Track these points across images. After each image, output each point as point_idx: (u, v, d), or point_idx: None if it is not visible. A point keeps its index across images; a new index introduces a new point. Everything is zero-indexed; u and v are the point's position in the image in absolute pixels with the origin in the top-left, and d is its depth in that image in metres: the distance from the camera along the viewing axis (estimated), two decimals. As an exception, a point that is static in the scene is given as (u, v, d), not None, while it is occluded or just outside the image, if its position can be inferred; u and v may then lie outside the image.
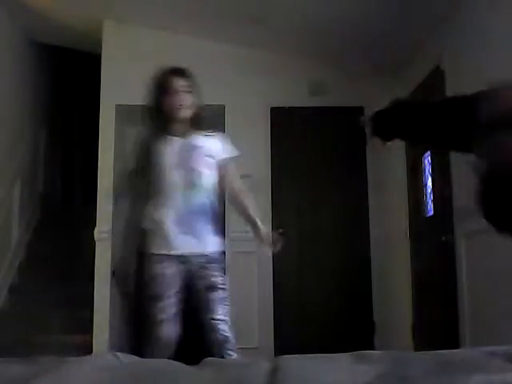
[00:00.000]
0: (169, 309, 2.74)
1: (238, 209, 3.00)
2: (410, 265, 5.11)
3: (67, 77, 7.38)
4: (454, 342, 3.93)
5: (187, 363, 0.76)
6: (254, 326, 5.09)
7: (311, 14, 4.61)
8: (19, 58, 5.83)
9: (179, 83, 2.89)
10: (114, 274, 5.13)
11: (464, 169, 2.94)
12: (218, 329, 2.71)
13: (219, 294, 2.76)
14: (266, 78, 5.36)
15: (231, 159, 2.99)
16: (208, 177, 2.87)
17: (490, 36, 3.50)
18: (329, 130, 5.50)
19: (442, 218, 4.39)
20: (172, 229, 2.77)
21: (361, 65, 5.29)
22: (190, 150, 2.87)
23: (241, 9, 4.72)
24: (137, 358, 0.75)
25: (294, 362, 0.60)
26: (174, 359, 0.89)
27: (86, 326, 4.82)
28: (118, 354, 0.75)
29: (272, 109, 5.46)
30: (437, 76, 4.34)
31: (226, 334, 2.73)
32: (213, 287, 2.75)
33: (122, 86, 5.28)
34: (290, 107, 5.48)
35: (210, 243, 2.84)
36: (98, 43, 5.35)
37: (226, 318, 2.75)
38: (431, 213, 4.75)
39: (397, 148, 5.03)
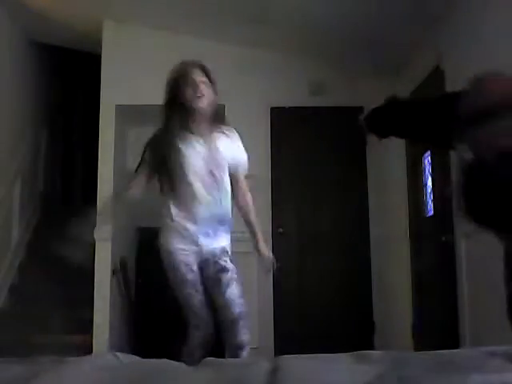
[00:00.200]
0: (196, 291, 2.93)
1: (244, 220, 3.13)
2: (409, 265, 5.11)
3: (67, 77, 7.38)
4: (454, 341, 3.93)
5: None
6: (254, 326, 5.07)
7: (311, 14, 4.61)
8: (19, 58, 5.83)
9: (199, 76, 2.93)
10: (114, 273, 5.15)
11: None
12: (229, 308, 2.87)
13: (228, 275, 2.94)
14: (266, 77, 5.36)
15: (243, 165, 3.09)
16: (227, 183, 2.98)
17: (490, 36, 3.51)
18: (329, 130, 5.50)
19: (442, 217, 4.39)
20: (193, 232, 2.91)
21: (361, 65, 5.29)
22: (213, 155, 2.93)
23: (241, 8, 4.72)
24: (137, 357, 0.75)
25: (294, 362, 0.60)
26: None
27: (86, 326, 4.82)
28: (118, 354, 0.75)
29: (272, 109, 5.46)
30: (436, 76, 4.34)
31: (235, 315, 2.87)
32: (223, 270, 2.94)
33: (122, 86, 5.28)
34: (290, 107, 5.47)
35: (225, 240, 3.04)
36: (98, 43, 5.35)
37: (236, 299, 2.91)
38: (431, 213, 4.75)
39: (396, 148, 5.03)
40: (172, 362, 0.72)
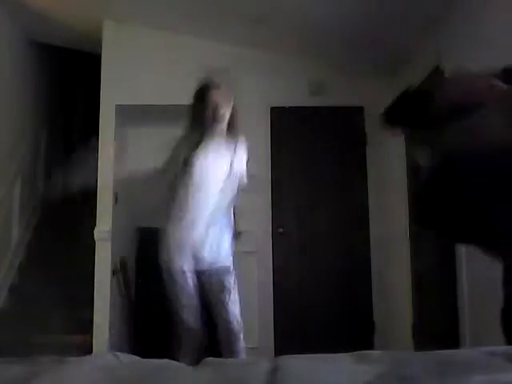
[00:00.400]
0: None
1: None
2: (409, 265, 5.11)
3: (67, 77, 7.38)
4: (454, 342, 3.93)
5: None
6: (254, 326, 5.09)
7: (311, 14, 4.61)
8: (19, 58, 5.83)
9: (216, 97, 3.10)
10: (114, 273, 5.15)
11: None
12: (229, 328, 3.11)
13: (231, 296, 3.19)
14: (266, 77, 5.36)
15: (243, 177, 3.31)
16: (234, 196, 3.20)
17: (490, 36, 3.50)
18: (329, 130, 5.50)
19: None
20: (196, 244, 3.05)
21: (361, 65, 5.29)
22: (226, 172, 3.13)
23: (241, 8, 4.72)
24: (137, 357, 0.75)
25: (294, 362, 0.60)
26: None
27: (86, 326, 4.81)
28: (118, 354, 0.75)
29: (272, 108, 5.46)
30: (436, 76, 4.34)
31: (235, 335, 3.10)
32: (226, 290, 3.17)
33: (122, 86, 5.28)
34: (290, 107, 5.48)
35: (229, 258, 3.21)
36: (98, 43, 5.35)
37: (236, 319, 3.14)
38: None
39: (396, 148, 5.03)
40: (172, 361, 0.72)
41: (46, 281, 5.35)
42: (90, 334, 4.80)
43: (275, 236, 5.30)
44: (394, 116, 1.94)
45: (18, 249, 5.63)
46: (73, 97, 7.54)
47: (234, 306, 3.08)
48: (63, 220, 6.25)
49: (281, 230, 5.35)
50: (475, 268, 3.76)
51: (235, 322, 3.04)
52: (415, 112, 1.80)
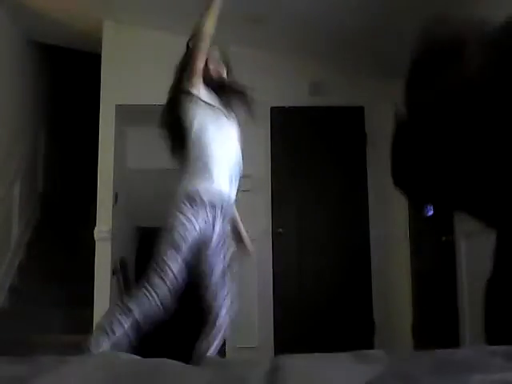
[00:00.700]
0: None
1: None
2: (409, 264, 5.11)
3: (67, 77, 7.38)
4: (454, 341, 3.93)
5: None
6: (254, 326, 5.09)
7: (311, 14, 4.61)
8: (19, 57, 5.83)
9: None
10: (113, 273, 5.15)
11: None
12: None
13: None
14: (266, 77, 5.35)
15: None
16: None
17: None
18: (329, 130, 5.50)
19: (442, 217, 4.38)
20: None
21: (361, 65, 5.29)
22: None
23: (241, 8, 4.71)
24: (136, 357, 0.75)
25: (295, 362, 0.60)
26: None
27: (86, 326, 4.81)
28: (118, 353, 0.75)
29: (272, 108, 5.46)
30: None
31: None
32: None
33: (122, 85, 5.28)
34: (290, 107, 5.48)
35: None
36: (98, 43, 5.35)
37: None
38: (431, 212, 4.74)
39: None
40: (172, 361, 0.72)
41: (46, 280, 5.35)
42: (90, 334, 4.79)
43: (275, 236, 5.30)
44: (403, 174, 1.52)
45: (18, 248, 5.63)
46: (73, 96, 7.53)
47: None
48: (63, 220, 6.26)
49: (280, 230, 5.34)
50: (475, 267, 3.76)
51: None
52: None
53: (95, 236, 5.01)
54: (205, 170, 2.78)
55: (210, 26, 3.01)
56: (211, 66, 3.12)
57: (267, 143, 5.42)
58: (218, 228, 2.82)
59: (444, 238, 4.28)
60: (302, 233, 5.40)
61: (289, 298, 5.26)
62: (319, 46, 5.14)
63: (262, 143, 5.37)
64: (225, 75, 3.21)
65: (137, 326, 2.65)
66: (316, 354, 0.62)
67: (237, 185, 2.97)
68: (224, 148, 2.90)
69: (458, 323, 4.02)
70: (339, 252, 5.36)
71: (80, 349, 2.57)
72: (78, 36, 5.64)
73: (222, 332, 2.88)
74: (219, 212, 2.80)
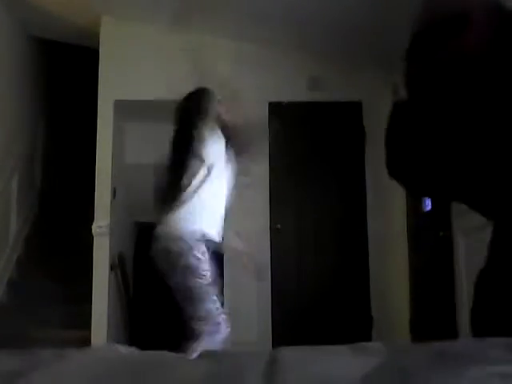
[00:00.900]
0: None
1: None
2: (407, 260, 5.12)
3: (65, 72, 7.36)
4: (451, 336, 3.94)
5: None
6: (253, 321, 5.10)
7: (310, 10, 4.60)
8: (17, 52, 5.82)
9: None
10: (112, 268, 5.15)
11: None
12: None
13: None
14: (264, 72, 5.35)
15: None
16: None
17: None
18: (327, 125, 5.49)
19: (439, 213, 4.39)
20: None
21: (359, 60, 5.28)
22: None
23: (239, 4, 4.71)
24: (136, 349, 0.75)
25: (293, 353, 0.60)
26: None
27: (85, 321, 4.82)
28: (117, 345, 0.75)
29: (270, 103, 5.45)
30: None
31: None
32: None
33: (120, 81, 5.27)
34: (288, 102, 5.47)
35: None
36: (96, 38, 5.34)
37: None
38: (429, 208, 4.75)
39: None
40: (171, 353, 0.72)
41: (44, 276, 5.35)
42: (88, 329, 4.81)
43: (273, 232, 5.30)
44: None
45: (16, 243, 5.63)
46: (71, 91, 7.52)
47: None
48: (61, 215, 6.26)
49: (279, 226, 5.35)
50: (473, 263, 3.76)
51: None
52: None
53: (93, 231, 5.01)
54: None
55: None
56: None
57: (265, 138, 5.41)
58: None
59: (442, 234, 4.29)
60: (300, 229, 5.40)
61: (287, 294, 5.26)
62: (317, 41, 5.13)
63: (260, 138, 5.35)
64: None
65: None
66: (314, 346, 0.62)
67: None
68: None
69: (455, 318, 4.03)
70: (337, 248, 5.36)
71: None
72: (76, 31, 5.63)
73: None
74: None
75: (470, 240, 3.80)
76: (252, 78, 5.34)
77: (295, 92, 5.45)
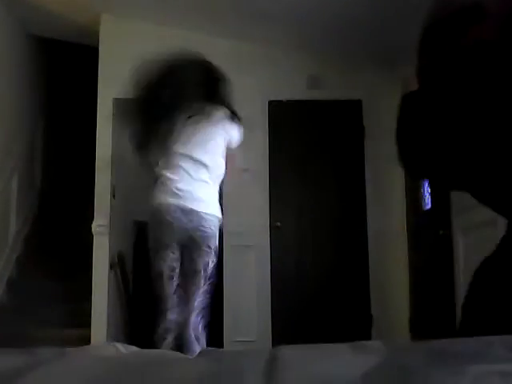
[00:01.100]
0: None
1: None
2: (407, 258, 5.12)
3: (64, 70, 7.36)
4: (451, 335, 3.94)
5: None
6: (253, 320, 5.10)
7: (309, 9, 4.60)
8: (16, 51, 5.81)
9: None
10: (111, 267, 5.15)
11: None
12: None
13: None
14: (264, 71, 5.35)
15: None
16: None
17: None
18: (327, 123, 5.50)
19: (439, 211, 4.39)
20: None
21: (359, 58, 5.28)
22: None
23: (239, 3, 4.71)
24: (136, 348, 0.75)
25: (292, 352, 0.60)
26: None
27: (85, 320, 4.82)
28: (117, 344, 0.75)
29: (270, 102, 5.45)
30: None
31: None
32: None
33: (119, 79, 5.26)
34: (288, 100, 5.47)
35: None
36: (96, 36, 5.33)
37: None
38: (429, 206, 4.75)
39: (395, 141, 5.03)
40: (171, 352, 0.72)
41: (44, 275, 5.35)
42: (88, 328, 4.81)
43: (273, 230, 5.30)
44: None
45: (16, 243, 5.63)
46: (70, 90, 7.51)
47: None
48: (61, 214, 6.26)
49: (278, 223, 5.35)
50: (473, 261, 3.76)
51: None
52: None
53: (93, 230, 5.01)
54: None
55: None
56: None
57: (265, 137, 5.42)
58: None
59: (441, 232, 4.29)
60: (300, 226, 5.40)
61: (287, 292, 5.27)
62: (316, 40, 5.13)
63: (260, 137, 5.36)
64: None
65: None
66: (314, 345, 0.61)
67: None
68: None
69: (455, 317, 4.02)
70: (337, 245, 5.37)
71: None
72: (76, 29, 5.62)
73: None
74: None
75: (470, 238, 3.81)
76: (252, 77, 5.34)
77: (295, 90, 5.45)
